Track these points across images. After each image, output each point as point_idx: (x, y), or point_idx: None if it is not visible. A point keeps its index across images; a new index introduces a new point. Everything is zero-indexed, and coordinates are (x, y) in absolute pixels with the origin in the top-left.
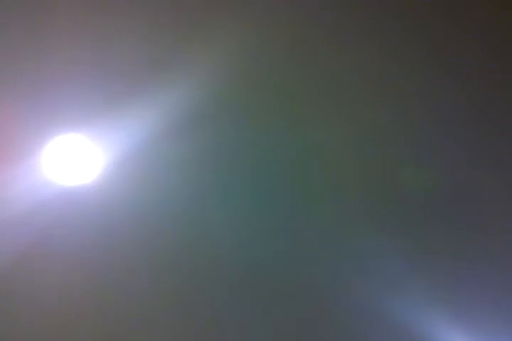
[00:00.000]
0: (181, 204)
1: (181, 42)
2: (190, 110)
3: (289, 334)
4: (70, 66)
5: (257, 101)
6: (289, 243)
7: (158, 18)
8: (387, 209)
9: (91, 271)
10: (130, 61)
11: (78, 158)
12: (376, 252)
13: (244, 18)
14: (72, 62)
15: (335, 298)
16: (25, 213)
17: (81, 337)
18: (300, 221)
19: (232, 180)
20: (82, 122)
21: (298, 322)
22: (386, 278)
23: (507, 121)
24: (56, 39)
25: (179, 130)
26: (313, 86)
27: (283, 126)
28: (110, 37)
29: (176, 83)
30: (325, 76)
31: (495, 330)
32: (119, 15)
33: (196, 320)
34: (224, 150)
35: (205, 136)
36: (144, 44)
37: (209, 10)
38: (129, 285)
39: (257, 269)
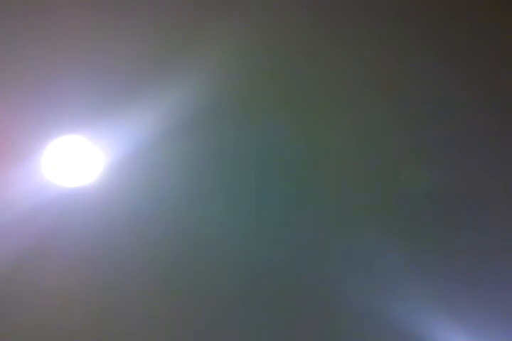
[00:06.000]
0: (182, 205)
1: (182, 43)
2: (190, 111)
3: (290, 333)
4: (70, 67)
5: (257, 101)
6: (290, 243)
7: (158, 18)
8: (388, 209)
9: (92, 272)
10: (130, 62)
11: (79, 160)
12: (376, 252)
13: (245, 18)
14: (73, 63)
15: (335, 298)
16: (26, 214)
17: (81, 337)
18: (300, 221)
19: (234, 180)
20: (82, 123)
21: (298, 322)
22: (386, 278)
23: (507, 121)
24: (57, 40)
25: (179, 131)
26: (315, 85)
27: (283, 125)
28: (110, 38)
29: (176, 84)
30: (326, 75)
31: (495, 330)
32: (120, 15)
33: (197, 321)
34: (225, 150)
35: (205, 136)
36: (144, 44)
37: (210, 10)
38: (130, 286)
39: (258, 269)
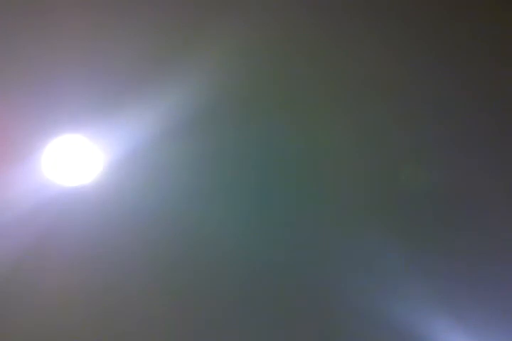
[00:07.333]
0: (182, 205)
1: (182, 43)
2: (190, 111)
3: (290, 333)
4: (70, 67)
5: (257, 101)
6: (290, 243)
7: (158, 18)
8: (388, 209)
9: (92, 272)
10: (130, 62)
11: (78, 159)
12: (376, 252)
13: (246, 18)
14: (73, 63)
15: (335, 298)
16: (26, 214)
17: (81, 337)
18: (300, 221)
19: (234, 180)
20: (82, 123)
21: (298, 322)
22: (386, 278)
23: (507, 121)
24: (57, 40)
25: (179, 131)
26: (315, 85)
27: (283, 125)
28: (110, 38)
29: (176, 84)
30: (326, 75)
31: (495, 330)
32: (120, 15)
33: (197, 321)
34: (225, 150)
35: (205, 136)
36: (144, 44)
37: (210, 10)
38: (130, 286)
39: (258, 269)
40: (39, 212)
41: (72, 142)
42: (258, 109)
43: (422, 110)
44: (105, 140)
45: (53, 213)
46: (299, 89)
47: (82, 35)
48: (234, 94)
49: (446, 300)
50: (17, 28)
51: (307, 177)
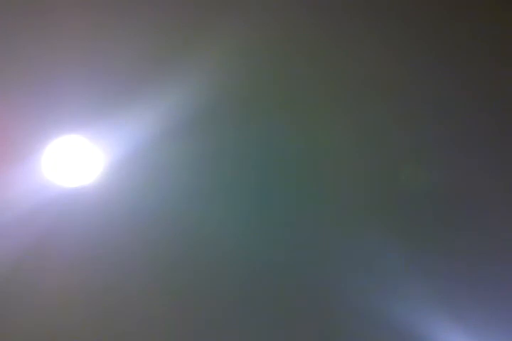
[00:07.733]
0: (182, 205)
1: (182, 43)
2: (190, 111)
3: (290, 333)
4: (70, 67)
5: (257, 101)
6: (290, 243)
7: (158, 18)
8: (388, 209)
9: (92, 272)
10: (130, 62)
11: (79, 160)
12: (376, 252)
13: (246, 18)
14: (73, 63)
15: (335, 298)
16: (26, 214)
17: (81, 337)
18: (300, 221)
19: (234, 180)
20: (82, 123)
21: (298, 322)
22: (386, 278)
23: (507, 121)
24: (57, 40)
25: (179, 131)
26: (315, 85)
27: (283, 125)
28: (110, 38)
29: (176, 84)
30: (326, 75)
31: (495, 330)
32: (120, 15)
33: (197, 321)
34: (225, 150)
35: (205, 136)
36: (144, 44)
37: (210, 10)
38: (130, 286)
39: (258, 269)
40: (39, 212)
41: (72, 143)
42: (258, 109)
43: (422, 110)
44: (105, 140)
45: (53, 214)
46: (299, 89)
47: (82, 35)
48: (234, 94)
49: (446, 300)
50: (17, 28)
51: (307, 177)
